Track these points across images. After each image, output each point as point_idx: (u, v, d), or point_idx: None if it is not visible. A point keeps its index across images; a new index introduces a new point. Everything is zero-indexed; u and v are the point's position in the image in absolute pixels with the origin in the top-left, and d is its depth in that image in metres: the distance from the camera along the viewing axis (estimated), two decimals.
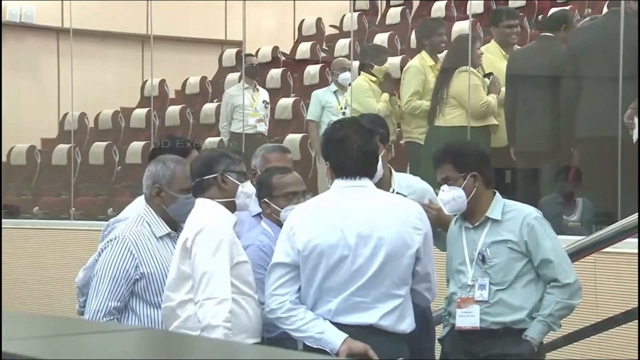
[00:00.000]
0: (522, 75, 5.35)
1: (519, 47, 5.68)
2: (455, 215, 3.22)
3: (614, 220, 3.94)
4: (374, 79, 6.07)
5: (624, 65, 4.78)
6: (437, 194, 3.28)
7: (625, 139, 4.58)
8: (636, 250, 3.67)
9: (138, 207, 3.34)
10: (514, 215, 3.15)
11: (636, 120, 4.56)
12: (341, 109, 6.29)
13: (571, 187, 5.28)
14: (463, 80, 5.26)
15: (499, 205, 3.17)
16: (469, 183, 3.14)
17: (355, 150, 2.88)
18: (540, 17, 7.97)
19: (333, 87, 6.74)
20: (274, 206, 3.22)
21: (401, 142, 5.92)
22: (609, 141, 4.81)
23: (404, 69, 5.74)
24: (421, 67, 5.58)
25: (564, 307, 3.09)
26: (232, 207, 3.04)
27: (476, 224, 3.17)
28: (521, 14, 7.25)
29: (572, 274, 3.12)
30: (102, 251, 3.15)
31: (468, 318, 3.12)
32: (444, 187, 3.16)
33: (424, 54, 5.66)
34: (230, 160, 3.06)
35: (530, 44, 6.01)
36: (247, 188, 3.07)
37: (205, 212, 3.00)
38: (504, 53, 5.52)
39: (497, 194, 3.22)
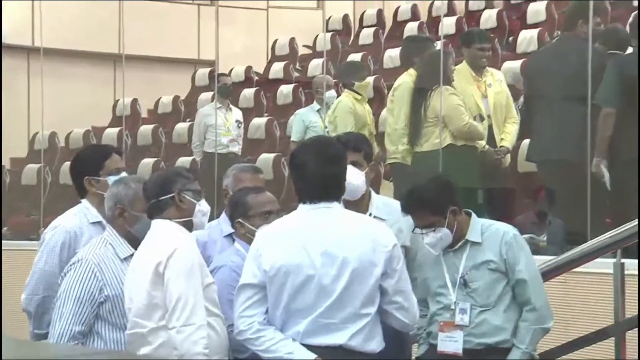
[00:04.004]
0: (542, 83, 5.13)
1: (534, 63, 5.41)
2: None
3: (584, 240, 3.96)
4: (358, 97, 6.05)
5: (574, 88, 4.80)
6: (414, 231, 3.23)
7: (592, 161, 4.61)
8: (606, 270, 3.69)
9: (72, 216, 3.35)
10: (492, 235, 3.17)
11: (603, 167, 4.55)
12: (325, 127, 6.24)
13: (543, 207, 5.32)
14: (444, 100, 5.22)
15: (477, 227, 3.18)
16: (450, 220, 3.15)
17: (313, 176, 2.86)
18: (510, 38, 8.06)
19: (316, 105, 6.71)
20: (249, 226, 3.20)
21: (385, 162, 5.89)
22: (567, 164, 4.84)
23: (394, 86, 5.65)
24: (412, 84, 5.51)
25: (540, 333, 3.14)
26: (189, 226, 3.02)
27: (456, 247, 3.17)
28: (492, 35, 7.32)
29: (543, 295, 3.15)
30: (65, 275, 3.10)
31: (451, 343, 3.12)
32: (428, 232, 3.14)
33: (412, 71, 5.55)
34: (186, 179, 3.02)
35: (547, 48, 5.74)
36: (203, 206, 3.04)
37: (168, 234, 2.96)
38: (474, 75, 5.52)
39: (473, 215, 3.23)
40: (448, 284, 3.16)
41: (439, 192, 3.17)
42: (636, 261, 3.72)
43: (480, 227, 3.18)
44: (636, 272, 3.63)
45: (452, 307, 3.14)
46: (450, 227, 3.14)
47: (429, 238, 3.15)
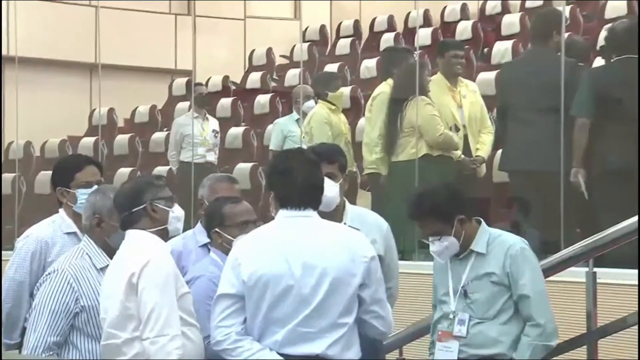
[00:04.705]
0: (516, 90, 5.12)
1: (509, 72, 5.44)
2: None
3: (557, 249, 4.00)
4: (332, 107, 6.07)
5: (546, 99, 4.86)
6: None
7: (566, 172, 4.66)
8: (579, 279, 3.73)
9: (46, 225, 3.36)
10: (498, 246, 3.13)
11: (580, 177, 4.59)
12: (303, 137, 6.27)
13: (517, 217, 5.35)
14: (420, 111, 5.26)
15: (484, 237, 3.15)
16: (457, 229, 3.12)
17: (299, 181, 2.90)
18: (485, 50, 8.14)
19: (295, 115, 6.72)
20: (226, 236, 3.20)
21: (362, 173, 5.91)
22: (540, 174, 4.88)
23: (373, 95, 5.67)
24: (390, 94, 5.52)
25: (542, 350, 3.07)
26: (164, 234, 3.01)
27: (461, 256, 3.16)
28: (467, 46, 7.39)
29: (547, 312, 3.10)
30: (40, 285, 3.09)
31: (446, 353, 3.11)
32: (434, 240, 3.13)
33: (391, 81, 5.57)
34: (156, 188, 3.01)
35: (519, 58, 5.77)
36: (177, 212, 3.04)
37: (142, 244, 2.95)
38: (449, 85, 5.58)
39: (483, 223, 3.19)
40: (450, 293, 3.15)
41: (447, 200, 3.14)
42: (608, 270, 3.77)
43: (488, 237, 3.14)
44: (607, 281, 3.69)
45: (451, 316, 3.13)
46: (457, 235, 3.10)
47: (435, 246, 3.13)
